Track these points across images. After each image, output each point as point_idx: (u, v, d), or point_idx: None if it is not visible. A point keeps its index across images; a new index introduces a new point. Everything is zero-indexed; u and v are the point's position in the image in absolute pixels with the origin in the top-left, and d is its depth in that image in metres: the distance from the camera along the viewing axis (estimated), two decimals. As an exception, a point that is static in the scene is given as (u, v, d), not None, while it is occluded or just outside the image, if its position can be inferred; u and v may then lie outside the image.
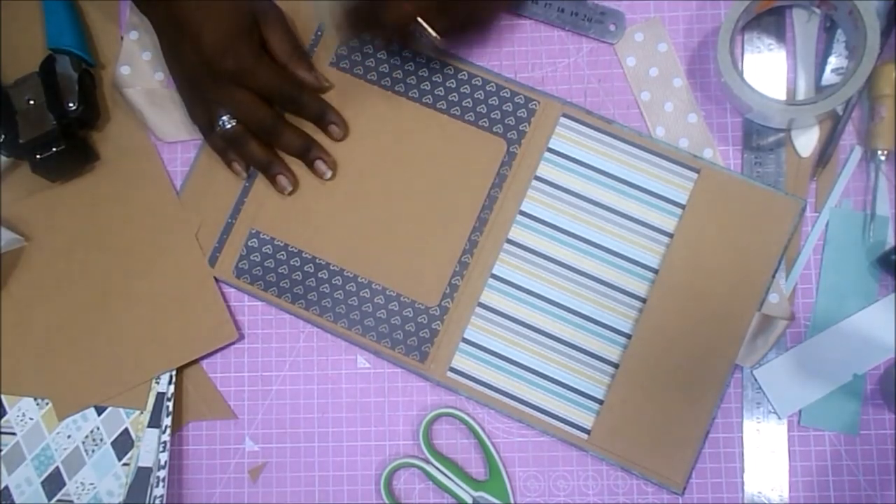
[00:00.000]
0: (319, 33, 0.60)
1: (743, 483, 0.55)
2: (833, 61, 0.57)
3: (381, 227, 0.58)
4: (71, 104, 0.58)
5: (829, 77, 0.57)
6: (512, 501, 0.55)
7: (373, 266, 0.58)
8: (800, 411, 0.55)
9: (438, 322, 0.57)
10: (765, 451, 0.55)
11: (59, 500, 0.57)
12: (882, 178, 0.56)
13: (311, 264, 0.58)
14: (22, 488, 0.57)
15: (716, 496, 0.55)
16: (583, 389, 0.56)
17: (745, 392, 0.55)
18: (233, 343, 0.58)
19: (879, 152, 0.55)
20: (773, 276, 0.55)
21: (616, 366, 0.55)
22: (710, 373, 0.55)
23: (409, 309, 0.57)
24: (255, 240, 0.59)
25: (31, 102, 0.58)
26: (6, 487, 0.57)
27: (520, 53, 0.60)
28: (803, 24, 0.58)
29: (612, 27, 0.59)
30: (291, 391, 0.58)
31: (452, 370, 0.56)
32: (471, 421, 0.56)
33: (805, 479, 0.55)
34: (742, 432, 0.55)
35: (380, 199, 0.59)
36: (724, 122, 0.58)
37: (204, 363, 0.59)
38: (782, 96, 0.57)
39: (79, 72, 0.59)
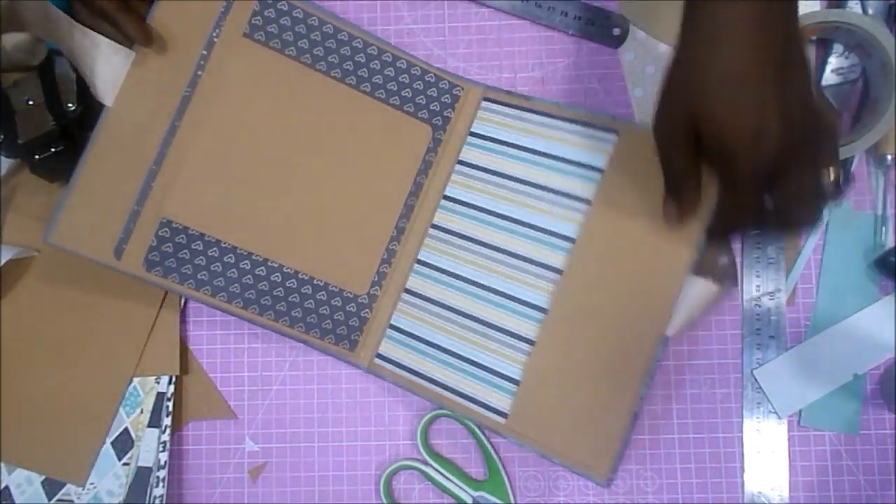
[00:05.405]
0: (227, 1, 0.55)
1: (743, 483, 0.55)
2: (833, 62, 0.57)
3: (305, 214, 0.56)
4: (70, 105, 0.58)
5: (829, 77, 0.57)
6: (512, 501, 0.55)
7: (298, 255, 0.55)
8: (800, 411, 0.55)
9: (367, 310, 0.56)
10: (765, 451, 0.55)
11: (59, 500, 0.57)
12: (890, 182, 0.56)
13: (231, 254, 0.55)
14: (22, 488, 0.57)
15: (716, 496, 0.55)
16: (499, 370, 0.53)
17: (745, 392, 0.55)
18: (233, 343, 0.58)
19: (888, 156, 0.55)
20: (704, 236, 0.50)
21: (532, 343, 0.53)
22: (634, 348, 0.50)
23: (338, 298, 0.56)
24: (166, 229, 0.54)
25: (30, 103, 0.58)
26: (6, 487, 0.57)
27: (520, 53, 0.59)
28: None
29: (615, 31, 0.59)
30: (291, 391, 0.58)
31: (379, 356, 0.55)
32: (469, 421, 0.56)
33: (805, 479, 0.55)
34: (742, 432, 0.55)
35: (303, 185, 0.56)
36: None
37: (204, 363, 0.59)
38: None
39: (77, 72, 0.59)
